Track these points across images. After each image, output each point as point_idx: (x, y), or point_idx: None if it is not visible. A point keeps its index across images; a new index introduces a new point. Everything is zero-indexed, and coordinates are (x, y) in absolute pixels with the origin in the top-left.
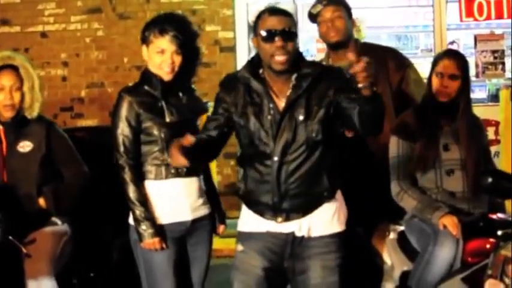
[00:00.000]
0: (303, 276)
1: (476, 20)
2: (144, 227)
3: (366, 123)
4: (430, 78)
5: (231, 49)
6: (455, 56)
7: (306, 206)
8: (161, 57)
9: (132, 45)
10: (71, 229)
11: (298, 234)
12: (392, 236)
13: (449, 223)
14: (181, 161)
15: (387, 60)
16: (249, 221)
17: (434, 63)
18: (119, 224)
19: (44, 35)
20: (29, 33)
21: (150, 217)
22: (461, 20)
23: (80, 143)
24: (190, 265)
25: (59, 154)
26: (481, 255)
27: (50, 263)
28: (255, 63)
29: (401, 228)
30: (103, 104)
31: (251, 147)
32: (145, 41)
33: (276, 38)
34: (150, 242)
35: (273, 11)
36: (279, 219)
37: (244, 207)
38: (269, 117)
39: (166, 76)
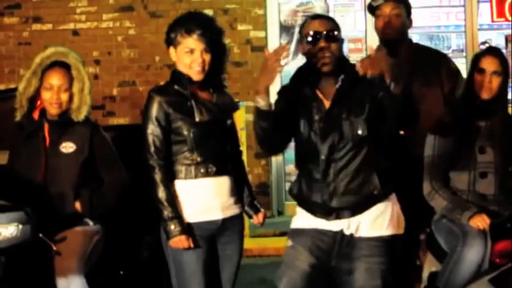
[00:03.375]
0: (349, 277)
1: (507, 20)
2: (172, 226)
3: (396, 116)
4: (470, 76)
5: (262, 48)
6: (497, 53)
7: (355, 205)
8: (191, 56)
9: (164, 44)
10: (103, 230)
11: (347, 232)
12: (421, 236)
13: (479, 221)
14: (269, 80)
15: (441, 65)
16: (300, 218)
17: (476, 61)
18: (148, 222)
19: (75, 33)
20: (60, 31)
21: (178, 216)
22: (492, 21)
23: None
24: (221, 264)
25: (100, 158)
26: (509, 256)
27: (79, 261)
28: (303, 71)
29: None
30: (134, 102)
31: (303, 147)
32: (172, 42)
33: (320, 40)
34: (177, 240)
35: (316, 16)
36: (330, 218)
37: (297, 208)
38: (317, 117)
39: (197, 76)
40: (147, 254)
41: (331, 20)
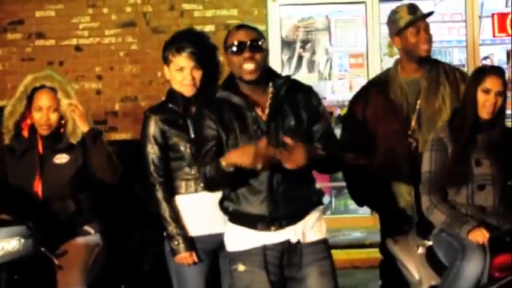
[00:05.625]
0: (302, 284)
1: (509, 35)
2: (176, 242)
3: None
4: (473, 94)
5: None
6: (501, 73)
7: (298, 212)
8: (181, 74)
9: None
10: (103, 240)
11: (294, 240)
12: (420, 250)
13: (479, 235)
14: (257, 162)
15: (458, 80)
16: (241, 238)
17: (479, 79)
18: (150, 235)
19: (78, 48)
20: (63, 46)
21: (182, 232)
22: (494, 36)
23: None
24: (222, 277)
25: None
26: (507, 270)
27: (81, 274)
28: (231, 82)
29: (430, 243)
30: (136, 117)
31: None
32: (166, 61)
33: (245, 50)
34: (182, 256)
35: (240, 26)
36: (272, 228)
37: (230, 226)
38: (254, 127)
39: (189, 92)
40: (149, 267)
41: (256, 30)
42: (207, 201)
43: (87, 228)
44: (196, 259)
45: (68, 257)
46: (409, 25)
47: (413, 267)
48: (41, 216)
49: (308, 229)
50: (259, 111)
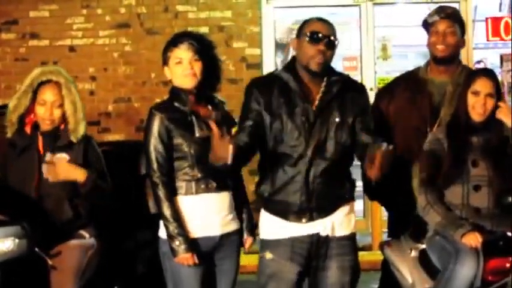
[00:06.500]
0: (322, 273)
1: (502, 39)
2: (177, 242)
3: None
4: (464, 96)
5: (258, 66)
6: (491, 75)
7: (329, 207)
8: (180, 66)
9: (160, 60)
10: (98, 243)
11: (323, 234)
12: (414, 254)
13: (472, 239)
14: (224, 157)
15: None
16: (272, 228)
17: (470, 82)
18: (143, 236)
19: (72, 49)
20: (57, 47)
21: (183, 233)
22: (487, 40)
23: (105, 157)
24: (217, 279)
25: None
26: (501, 274)
27: (75, 275)
28: (293, 66)
29: (423, 246)
30: (130, 118)
31: (281, 148)
32: (165, 61)
33: (321, 42)
34: (183, 257)
35: (321, 18)
36: (303, 219)
37: (264, 214)
38: (303, 118)
39: (190, 82)
40: (142, 269)
41: (333, 28)
42: (206, 203)
43: (82, 232)
44: (196, 260)
45: (62, 258)
46: (426, 24)
47: (407, 270)
48: (37, 216)
49: (337, 224)
50: (312, 103)
